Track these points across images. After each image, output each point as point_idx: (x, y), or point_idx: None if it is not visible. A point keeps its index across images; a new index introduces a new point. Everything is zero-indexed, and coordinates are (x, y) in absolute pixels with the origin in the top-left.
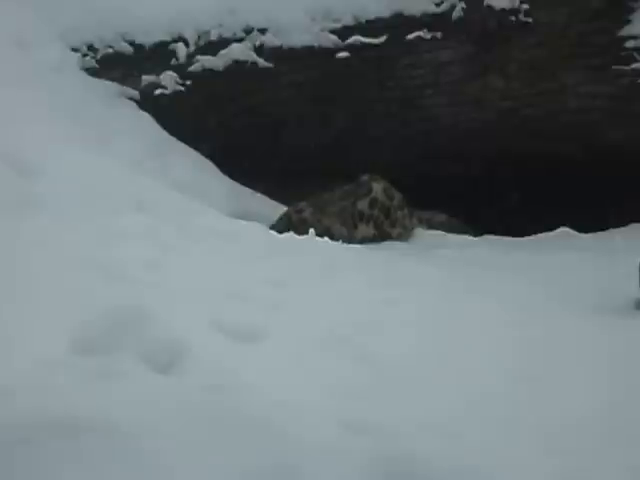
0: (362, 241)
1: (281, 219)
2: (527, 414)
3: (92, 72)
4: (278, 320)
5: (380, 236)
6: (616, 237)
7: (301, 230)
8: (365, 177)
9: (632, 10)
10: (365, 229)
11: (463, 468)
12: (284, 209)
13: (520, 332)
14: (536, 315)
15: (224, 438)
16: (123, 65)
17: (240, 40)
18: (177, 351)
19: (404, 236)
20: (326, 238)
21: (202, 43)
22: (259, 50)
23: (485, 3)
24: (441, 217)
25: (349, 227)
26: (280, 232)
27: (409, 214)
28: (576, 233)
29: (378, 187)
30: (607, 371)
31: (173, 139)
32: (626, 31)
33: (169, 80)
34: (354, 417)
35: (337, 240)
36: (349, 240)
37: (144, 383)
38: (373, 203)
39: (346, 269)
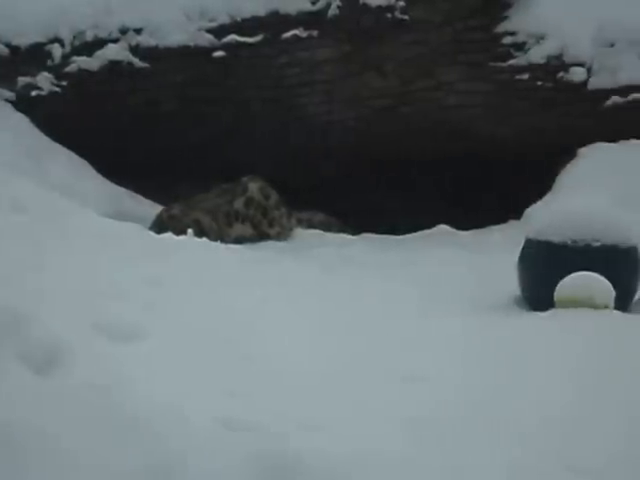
0: (238, 240)
1: (156, 219)
2: (404, 412)
3: None
4: (157, 320)
5: (258, 235)
6: (494, 234)
7: (172, 226)
8: (245, 178)
9: (508, 6)
10: (241, 228)
11: (338, 466)
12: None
13: (401, 333)
14: (416, 314)
15: (102, 439)
16: None
17: (116, 40)
18: (56, 352)
19: (283, 235)
20: (204, 238)
21: (77, 44)
22: (135, 50)
23: (361, 1)
24: (320, 217)
25: (222, 224)
26: (157, 233)
27: (287, 214)
28: (454, 230)
29: (254, 186)
30: (487, 369)
31: (49, 140)
32: (503, 27)
33: (45, 81)
34: (232, 416)
35: (209, 236)
36: (222, 237)
37: (22, 383)
38: (249, 202)
39: (224, 269)
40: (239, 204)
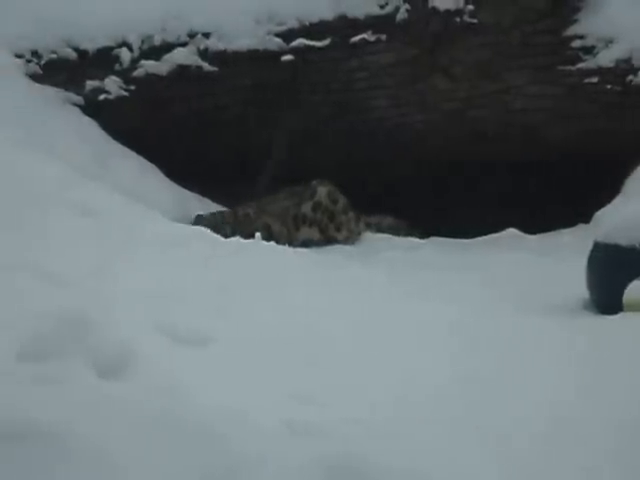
0: (305, 243)
1: (229, 215)
2: (475, 416)
3: (36, 78)
4: (225, 324)
5: (325, 239)
6: (564, 238)
7: (240, 230)
8: (315, 181)
9: (578, 9)
10: (308, 231)
11: (407, 469)
12: None
13: (468, 333)
14: (484, 316)
15: (171, 443)
16: (67, 71)
17: (184, 44)
18: (124, 356)
19: (350, 239)
20: (272, 242)
21: (146, 48)
22: (203, 54)
23: (429, 4)
24: (388, 220)
25: (290, 228)
26: (229, 229)
27: (355, 218)
28: (523, 234)
29: (323, 191)
30: (557, 372)
31: (118, 144)
32: (572, 31)
33: (113, 85)
34: (298, 419)
35: (278, 240)
36: (290, 241)
37: (90, 388)
38: (316, 207)
39: (293, 273)
40: (307, 208)
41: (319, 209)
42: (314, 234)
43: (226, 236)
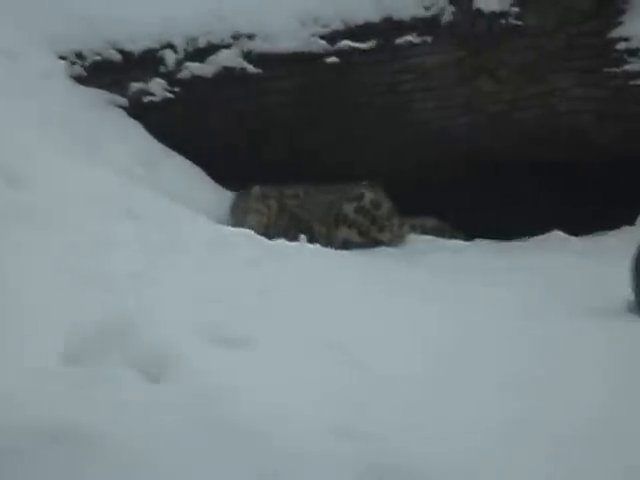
0: (346, 244)
1: (262, 188)
2: (524, 419)
3: (80, 80)
4: (267, 328)
5: (367, 241)
6: (608, 240)
7: (284, 231)
8: (364, 183)
9: (623, 11)
10: (347, 232)
11: (455, 471)
12: None
13: (516, 337)
14: (530, 319)
15: (214, 445)
16: (111, 73)
17: (228, 46)
18: (167, 359)
19: (394, 241)
20: (317, 245)
21: (190, 50)
22: (248, 56)
23: (474, 6)
24: (432, 222)
25: (330, 226)
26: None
27: (399, 222)
28: (567, 236)
29: (369, 196)
30: (605, 373)
31: (163, 146)
32: (617, 33)
33: (158, 87)
34: (343, 424)
35: (319, 241)
36: (329, 239)
37: (134, 391)
38: (359, 210)
39: (337, 276)
40: (349, 209)
41: (361, 212)
42: (353, 235)
43: (269, 217)
